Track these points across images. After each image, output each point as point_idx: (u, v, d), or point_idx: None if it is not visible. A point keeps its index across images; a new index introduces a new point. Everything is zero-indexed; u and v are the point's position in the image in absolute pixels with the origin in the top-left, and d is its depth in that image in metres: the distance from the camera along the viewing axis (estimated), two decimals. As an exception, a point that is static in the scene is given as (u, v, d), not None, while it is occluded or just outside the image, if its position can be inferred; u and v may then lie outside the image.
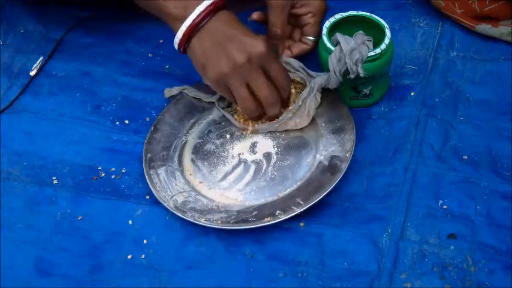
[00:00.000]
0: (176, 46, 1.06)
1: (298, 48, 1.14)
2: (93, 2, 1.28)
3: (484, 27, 1.19)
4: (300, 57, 1.13)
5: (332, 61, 1.06)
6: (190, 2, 1.03)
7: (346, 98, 1.12)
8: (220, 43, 1.03)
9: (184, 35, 1.04)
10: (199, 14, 1.03)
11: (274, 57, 1.06)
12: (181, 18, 1.04)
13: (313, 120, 1.11)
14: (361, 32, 1.08)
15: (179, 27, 1.04)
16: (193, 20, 1.03)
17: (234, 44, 1.03)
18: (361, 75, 1.06)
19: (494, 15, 1.19)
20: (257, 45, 1.03)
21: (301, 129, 1.11)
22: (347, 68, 1.06)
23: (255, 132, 1.11)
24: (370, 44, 1.07)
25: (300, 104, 1.09)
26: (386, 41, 1.08)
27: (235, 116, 1.13)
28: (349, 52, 1.05)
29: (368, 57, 1.06)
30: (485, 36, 1.20)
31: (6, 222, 1.06)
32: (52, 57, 1.24)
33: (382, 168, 1.07)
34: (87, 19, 1.28)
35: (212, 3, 1.03)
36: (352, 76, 1.06)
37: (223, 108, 1.14)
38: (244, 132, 1.12)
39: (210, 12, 1.03)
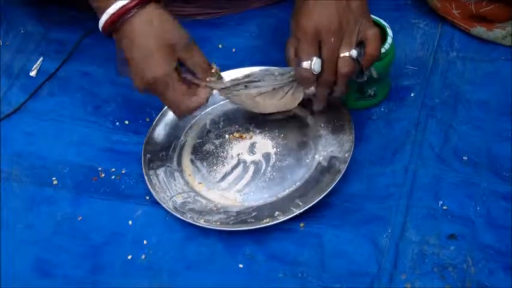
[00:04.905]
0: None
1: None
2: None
3: (479, 31, 1.19)
4: None
5: None
6: None
7: (351, 100, 1.12)
8: (132, 56, 0.99)
9: (103, 30, 1.00)
10: (114, 13, 0.98)
11: (169, 84, 1.00)
12: (101, 11, 0.99)
13: (312, 121, 1.11)
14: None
15: (100, 18, 1.00)
16: (110, 16, 0.98)
17: (141, 63, 0.99)
18: (375, 76, 1.05)
19: (490, 17, 1.18)
20: (154, 70, 0.98)
21: (300, 129, 1.11)
22: (359, 72, 1.03)
23: (223, 94, 1.07)
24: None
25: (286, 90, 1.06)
26: (389, 40, 1.07)
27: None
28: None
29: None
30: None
31: (6, 222, 1.06)
32: (52, 58, 1.24)
33: (382, 168, 1.07)
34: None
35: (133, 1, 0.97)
36: (365, 78, 1.04)
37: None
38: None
39: (128, 10, 0.98)
